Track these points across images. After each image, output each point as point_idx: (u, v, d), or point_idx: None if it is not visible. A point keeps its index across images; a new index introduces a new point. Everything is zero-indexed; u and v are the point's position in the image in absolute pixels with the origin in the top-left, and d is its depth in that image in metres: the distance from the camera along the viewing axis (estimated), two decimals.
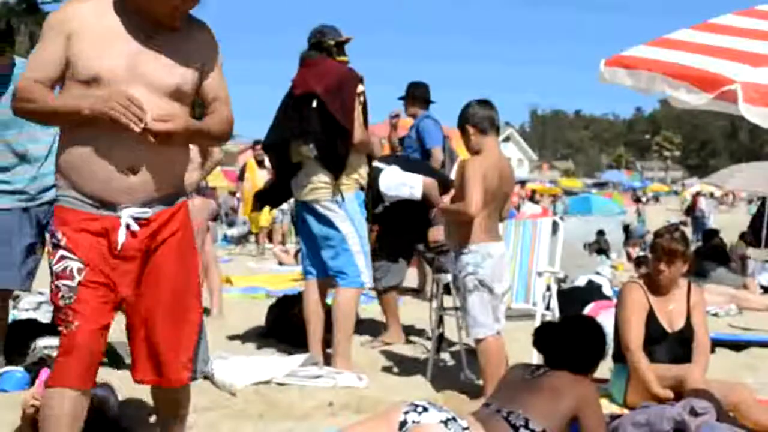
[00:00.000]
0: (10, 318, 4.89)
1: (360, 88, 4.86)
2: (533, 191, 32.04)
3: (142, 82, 2.74)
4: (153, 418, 3.79)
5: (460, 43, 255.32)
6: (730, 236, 13.18)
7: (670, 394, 3.89)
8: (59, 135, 2.88)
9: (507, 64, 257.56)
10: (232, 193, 20.86)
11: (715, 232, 12.52)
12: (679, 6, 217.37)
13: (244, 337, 6.09)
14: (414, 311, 7.09)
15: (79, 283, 2.74)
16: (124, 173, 2.75)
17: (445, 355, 5.66)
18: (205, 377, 4.62)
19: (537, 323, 4.81)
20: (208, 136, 3.00)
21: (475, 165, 4.36)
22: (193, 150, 6.36)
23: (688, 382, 3.86)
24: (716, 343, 5.58)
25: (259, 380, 4.57)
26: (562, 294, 6.42)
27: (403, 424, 2.99)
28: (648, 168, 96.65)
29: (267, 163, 12.42)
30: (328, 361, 4.96)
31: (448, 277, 4.99)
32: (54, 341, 4.01)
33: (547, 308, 5.50)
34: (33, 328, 4.84)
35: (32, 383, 4.04)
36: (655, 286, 4.16)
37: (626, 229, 17.65)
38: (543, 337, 3.51)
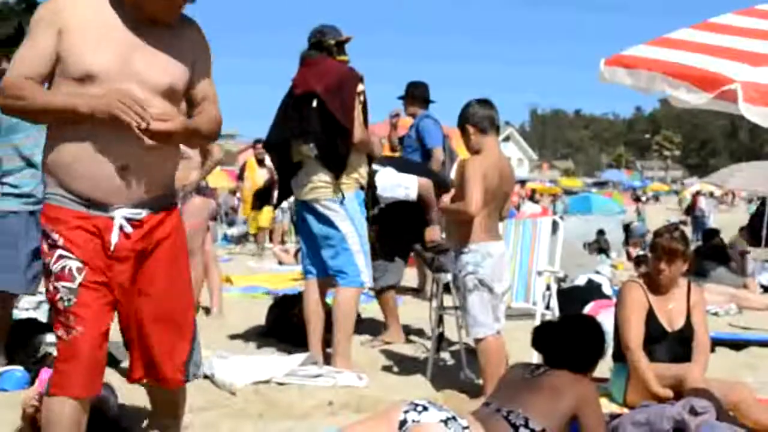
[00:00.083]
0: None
1: (360, 87, 4.86)
2: (533, 191, 32.03)
3: (136, 80, 2.70)
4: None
5: (460, 43, 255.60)
6: (729, 236, 13.18)
7: (669, 393, 3.88)
8: (47, 132, 2.82)
9: (507, 64, 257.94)
10: (233, 192, 20.87)
11: (715, 232, 12.51)
12: (679, 6, 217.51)
13: (244, 337, 6.09)
14: (414, 310, 7.09)
15: (80, 284, 2.70)
16: (117, 173, 2.70)
17: (445, 355, 5.66)
18: (205, 376, 4.63)
19: (537, 322, 4.81)
20: (200, 135, 2.97)
21: (475, 164, 4.36)
22: (193, 150, 6.36)
23: (688, 381, 3.86)
24: (716, 343, 5.58)
25: (258, 379, 4.57)
26: (561, 293, 6.42)
27: (403, 423, 2.99)
28: (648, 167, 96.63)
29: (267, 162, 12.45)
30: (328, 360, 4.96)
31: (448, 277, 4.99)
32: None
33: (547, 307, 5.51)
34: (33, 328, 4.84)
35: (32, 382, 4.05)
36: (655, 285, 4.16)
37: (627, 228, 17.62)
38: (542, 336, 3.52)
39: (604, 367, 4.00)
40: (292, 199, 5.34)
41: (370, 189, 5.09)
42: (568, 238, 7.19)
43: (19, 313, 5.65)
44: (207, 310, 6.86)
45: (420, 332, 6.40)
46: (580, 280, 8.03)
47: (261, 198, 12.96)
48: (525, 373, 3.35)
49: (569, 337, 3.42)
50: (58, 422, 2.69)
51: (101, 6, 2.71)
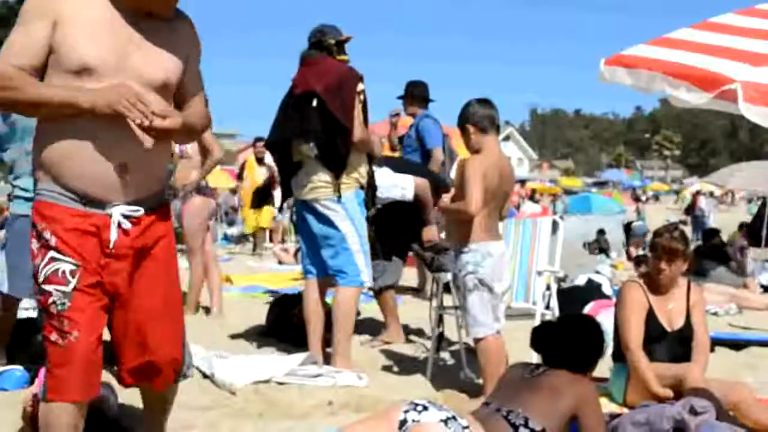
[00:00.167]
0: None
1: (360, 86, 4.86)
2: (533, 190, 32.02)
3: (133, 75, 2.65)
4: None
5: (460, 43, 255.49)
6: (729, 237, 13.19)
7: (669, 393, 3.88)
8: (37, 126, 2.74)
9: (507, 64, 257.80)
10: (233, 192, 20.86)
11: (715, 232, 12.52)
12: (679, 6, 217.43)
13: (244, 336, 6.09)
14: (414, 310, 7.09)
15: (74, 288, 2.63)
16: (116, 171, 2.65)
17: (444, 354, 5.66)
18: (205, 376, 4.63)
19: (537, 322, 4.81)
20: (195, 132, 2.94)
21: (475, 164, 4.36)
22: (193, 149, 6.37)
23: (688, 381, 3.86)
24: (716, 343, 5.58)
25: (258, 379, 4.57)
26: (561, 293, 6.42)
27: (403, 422, 2.99)
28: (648, 167, 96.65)
29: (267, 160, 12.45)
30: (327, 360, 4.96)
31: (448, 276, 4.99)
32: None
33: (547, 307, 5.51)
34: (33, 328, 4.84)
35: (32, 382, 4.05)
36: (655, 285, 4.16)
37: (628, 227, 17.59)
38: (541, 336, 3.52)
39: (604, 367, 4.00)
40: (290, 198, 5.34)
41: (370, 188, 5.08)
42: (568, 238, 7.18)
43: (19, 313, 5.65)
44: (207, 310, 6.86)
45: (420, 332, 6.41)
46: (580, 280, 8.03)
47: (260, 196, 12.94)
48: (525, 373, 3.35)
49: (568, 337, 3.42)
50: (56, 428, 2.66)
51: None
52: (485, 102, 4.56)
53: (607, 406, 3.94)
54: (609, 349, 4.09)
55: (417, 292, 8.50)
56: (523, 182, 28.51)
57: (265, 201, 13.10)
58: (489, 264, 4.34)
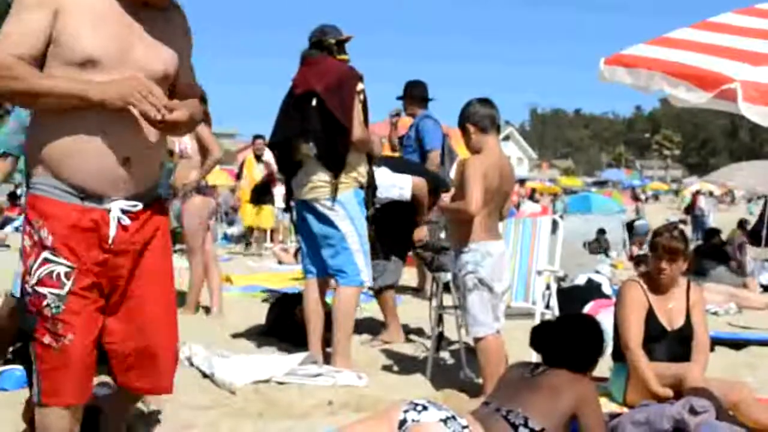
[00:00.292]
0: None
1: (360, 86, 4.86)
2: (533, 190, 32.01)
3: (136, 67, 2.61)
4: (152, 416, 3.79)
5: (460, 43, 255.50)
6: (728, 236, 13.19)
7: (669, 392, 3.88)
8: (32, 118, 2.68)
9: (507, 64, 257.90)
10: (233, 191, 20.85)
11: (716, 231, 12.52)
12: (679, 6, 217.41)
13: (244, 336, 6.09)
14: (413, 310, 7.09)
15: (69, 291, 2.58)
16: (119, 165, 2.61)
17: (444, 354, 5.66)
18: (205, 376, 4.63)
19: (536, 322, 4.81)
20: (195, 124, 2.90)
21: (475, 164, 4.36)
22: (193, 149, 6.38)
23: (688, 380, 3.86)
24: (716, 342, 5.58)
25: (258, 379, 4.57)
26: (561, 293, 6.42)
27: (402, 422, 2.99)
28: (648, 167, 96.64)
29: (264, 157, 12.44)
30: (327, 359, 4.96)
31: (448, 276, 4.99)
32: None
33: (547, 307, 5.51)
34: None
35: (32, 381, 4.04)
36: (655, 284, 4.16)
37: (630, 226, 17.58)
38: (540, 336, 3.52)
39: (604, 367, 4.00)
40: None
41: (370, 188, 5.09)
42: (568, 238, 7.18)
43: None
44: (207, 310, 6.86)
45: (420, 331, 6.41)
46: (580, 280, 8.03)
47: (259, 193, 12.91)
48: (524, 373, 3.35)
49: (568, 337, 3.42)
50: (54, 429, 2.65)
51: None
52: (486, 102, 4.56)
53: (607, 406, 3.94)
54: (609, 348, 4.09)
55: (417, 291, 8.50)
56: (522, 182, 28.51)
57: (264, 199, 13.08)
58: (489, 263, 4.34)
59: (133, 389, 2.90)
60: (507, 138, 71.33)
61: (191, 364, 4.79)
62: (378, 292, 6.06)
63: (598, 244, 15.03)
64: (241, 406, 4.22)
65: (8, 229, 16.18)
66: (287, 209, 5.43)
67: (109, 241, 2.65)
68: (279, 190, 13.35)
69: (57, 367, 2.60)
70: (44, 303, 2.58)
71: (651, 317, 4.09)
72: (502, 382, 3.46)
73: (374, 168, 5.25)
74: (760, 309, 8.45)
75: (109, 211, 2.64)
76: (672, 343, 4.09)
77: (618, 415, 3.75)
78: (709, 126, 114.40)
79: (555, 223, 5.59)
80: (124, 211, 2.67)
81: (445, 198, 4.75)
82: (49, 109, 2.57)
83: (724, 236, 12.27)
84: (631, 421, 3.56)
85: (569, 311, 5.08)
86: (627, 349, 4.05)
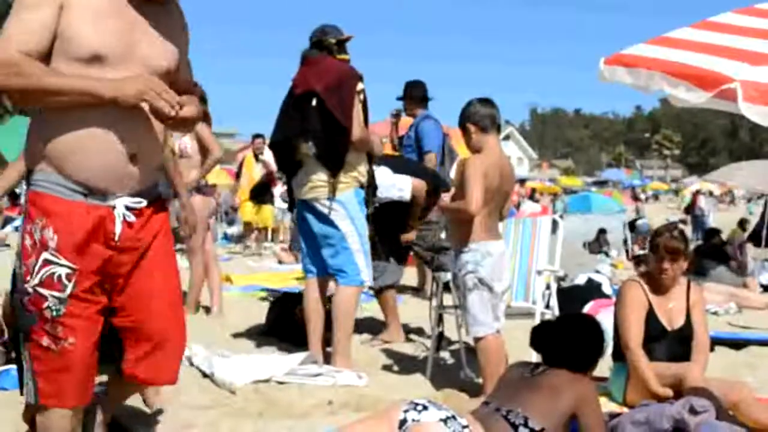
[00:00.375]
0: None
1: (360, 86, 4.86)
2: (533, 189, 32.04)
3: (141, 63, 2.60)
4: (152, 416, 3.79)
5: (460, 43, 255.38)
6: (727, 235, 13.19)
7: (669, 392, 3.88)
8: (39, 116, 2.62)
9: (507, 64, 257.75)
10: (234, 191, 20.81)
11: (716, 231, 12.52)
12: (679, 6, 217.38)
13: (244, 336, 6.09)
14: (414, 310, 7.09)
15: (71, 294, 2.55)
16: (126, 161, 2.58)
17: (444, 354, 5.66)
18: (205, 375, 4.63)
19: (536, 322, 4.81)
20: (198, 120, 2.89)
21: (476, 163, 4.36)
22: (193, 149, 6.38)
23: (688, 380, 3.86)
24: (716, 342, 5.58)
25: (258, 378, 4.57)
26: (561, 292, 6.42)
27: (402, 422, 2.99)
28: (648, 166, 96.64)
29: (262, 156, 12.43)
30: (327, 359, 4.96)
31: (448, 276, 4.99)
32: None
33: (547, 307, 5.51)
34: None
35: None
36: (655, 284, 4.16)
37: (632, 226, 17.58)
38: (540, 336, 3.52)
39: (604, 366, 4.00)
40: None
41: (370, 187, 5.09)
42: (568, 237, 7.18)
43: None
44: (207, 310, 6.86)
45: (420, 331, 6.41)
46: (580, 279, 8.03)
47: (258, 192, 12.89)
48: (524, 373, 3.35)
49: (568, 337, 3.42)
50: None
51: None
52: (486, 101, 4.56)
53: (607, 406, 3.94)
54: (609, 348, 4.09)
55: (417, 291, 8.50)
56: (522, 181, 28.55)
57: (263, 198, 13.07)
58: (489, 263, 4.34)
59: (139, 380, 2.87)
60: (507, 138, 71.36)
61: (191, 364, 4.79)
62: (379, 292, 6.07)
63: (598, 244, 15.03)
64: (241, 405, 4.22)
65: (8, 228, 16.18)
66: (290, 209, 5.43)
67: (116, 238, 2.63)
68: (279, 190, 13.36)
69: (57, 370, 2.58)
70: (45, 305, 2.55)
71: (651, 317, 4.10)
72: (502, 381, 3.46)
73: (375, 167, 5.25)
74: (760, 309, 8.45)
75: (113, 207, 2.62)
76: (672, 343, 4.09)
77: (618, 414, 3.75)
78: (709, 126, 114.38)
79: (555, 223, 5.59)
80: (128, 208, 2.64)
81: (446, 198, 4.75)
82: (57, 107, 2.53)
83: (724, 236, 12.27)
84: (630, 421, 3.56)
85: (569, 311, 5.08)
86: (627, 349, 4.05)
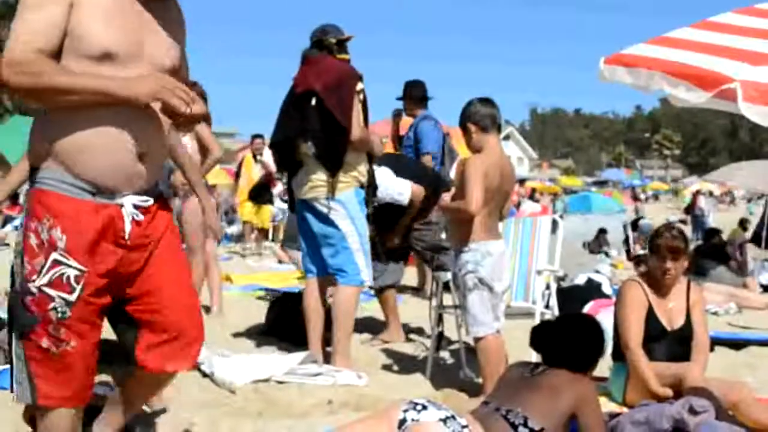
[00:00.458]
0: (1, 317, 4.88)
1: (359, 85, 4.86)
2: (533, 189, 32.04)
3: (149, 61, 2.59)
4: (152, 416, 3.79)
5: (460, 43, 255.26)
6: (728, 235, 13.19)
7: (669, 392, 3.89)
8: (46, 115, 2.58)
9: (507, 64, 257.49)
10: (234, 191, 20.80)
11: (716, 231, 12.53)
12: (679, 6, 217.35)
13: (244, 335, 6.09)
14: (414, 309, 7.09)
15: (78, 297, 2.52)
16: (136, 160, 2.57)
17: (444, 354, 5.66)
18: (205, 375, 4.63)
19: (536, 321, 4.82)
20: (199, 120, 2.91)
21: (476, 163, 4.36)
22: (192, 148, 6.37)
23: (688, 380, 3.87)
24: (715, 342, 5.58)
25: (258, 378, 4.57)
26: (561, 292, 6.43)
27: (402, 422, 2.99)
28: (648, 166, 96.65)
29: (261, 157, 12.42)
30: (327, 359, 4.96)
31: (448, 275, 4.99)
32: None
33: (547, 306, 5.51)
34: None
35: None
36: (656, 284, 4.16)
37: (635, 225, 17.59)
38: (540, 336, 3.52)
39: (604, 366, 4.00)
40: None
41: (370, 187, 5.09)
42: (568, 237, 7.19)
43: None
44: (207, 309, 6.84)
45: (420, 331, 6.41)
46: (580, 279, 8.03)
47: (257, 192, 12.88)
48: (524, 372, 3.35)
49: (568, 337, 3.42)
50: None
51: None
52: (487, 101, 4.56)
53: (607, 406, 3.94)
54: (608, 348, 4.09)
55: (417, 291, 8.50)
56: (522, 181, 28.54)
57: (263, 198, 13.07)
58: (489, 263, 4.34)
59: (149, 369, 2.80)
60: (507, 138, 71.37)
61: None
62: (379, 291, 6.07)
63: (598, 244, 15.04)
64: (240, 405, 4.22)
65: (8, 227, 16.18)
66: (291, 208, 5.43)
67: (126, 237, 2.61)
68: (277, 191, 13.35)
69: (56, 371, 2.55)
70: (50, 306, 2.51)
71: (651, 317, 4.10)
72: (502, 381, 3.46)
73: (376, 168, 5.25)
74: (760, 309, 8.45)
75: (121, 206, 2.60)
76: (672, 343, 4.09)
77: (617, 414, 3.75)
78: (708, 126, 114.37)
79: (555, 223, 5.59)
80: (135, 207, 2.63)
81: (446, 197, 4.75)
82: (67, 106, 2.49)
83: (724, 236, 12.28)
84: (630, 421, 3.56)
85: (569, 311, 5.09)
86: (627, 349, 4.05)
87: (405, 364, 5.35)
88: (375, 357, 5.51)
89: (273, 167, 12.09)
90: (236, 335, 6.08)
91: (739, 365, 5.52)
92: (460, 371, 5.10)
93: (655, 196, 52.45)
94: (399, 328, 6.10)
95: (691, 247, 7.54)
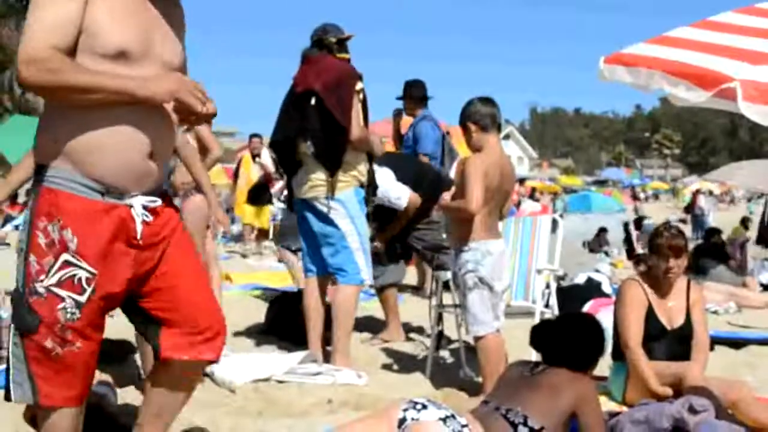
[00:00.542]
0: (1, 317, 4.87)
1: (359, 85, 4.86)
2: (533, 189, 32.01)
3: (159, 60, 2.57)
4: None
5: (460, 43, 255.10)
6: (729, 234, 13.20)
7: (669, 391, 3.89)
8: (53, 110, 2.53)
9: (507, 64, 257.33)
10: (232, 190, 20.78)
11: (716, 231, 12.54)
12: (679, 6, 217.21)
13: (244, 335, 6.09)
14: (413, 308, 7.09)
15: (89, 299, 2.50)
16: (147, 159, 2.55)
17: (444, 353, 5.66)
18: (205, 374, 4.63)
19: (536, 321, 4.82)
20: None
21: (476, 162, 4.36)
22: (192, 148, 6.37)
23: (687, 379, 3.87)
24: (715, 341, 5.58)
25: (258, 377, 4.57)
26: (561, 291, 6.43)
27: (402, 421, 2.99)
28: (648, 166, 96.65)
29: (259, 159, 12.41)
30: (327, 358, 4.96)
31: (448, 275, 4.99)
32: None
33: (546, 306, 5.51)
34: None
35: None
36: (656, 284, 4.17)
37: (638, 225, 17.59)
38: (540, 335, 3.52)
39: (604, 366, 4.00)
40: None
41: (370, 187, 5.09)
42: (568, 237, 7.19)
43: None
44: None
45: (419, 330, 6.41)
46: (580, 279, 8.03)
47: (256, 193, 12.86)
48: (524, 372, 3.35)
49: (568, 336, 3.42)
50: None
51: None
52: (487, 100, 4.56)
53: (607, 405, 3.94)
54: (608, 347, 4.09)
55: (417, 290, 8.50)
56: (522, 181, 28.49)
57: (262, 200, 13.06)
58: (489, 262, 4.35)
59: (202, 360, 2.77)
60: (507, 137, 71.37)
61: None
62: (380, 290, 6.07)
63: (598, 243, 15.04)
64: (240, 404, 4.22)
65: (8, 227, 16.17)
66: (290, 208, 5.43)
67: (138, 237, 2.59)
68: (276, 191, 13.34)
69: (58, 371, 2.54)
70: (60, 306, 2.48)
71: (651, 316, 4.10)
72: (502, 380, 3.46)
73: (377, 168, 5.25)
74: (759, 308, 8.45)
75: (131, 206, 2.57)
76: (671, 342, 4.09)
77: (617, 413, 3.76)
78: (708, 125, 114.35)
79: (555, 222, 5.59)
80: (144, 207, 2.60)
81: (446, 196, 4.75)
82: (80, 105, 2.46)
83: (724, 236, 12.28)
84: (630, 420, 3.56)
85: (569, 310, 5.09)
86: (627, 348, 4.06)
87: (405, 363, 5.35)
88: (375, 356, 5.51)
89: (271, 168, 12.10)
90: (236, 334, 6.08)
91: (739, 364, 5.52)
92: (460, 370, 5.11)
93: (655, 196, 52.47)
94: (399, 327, 6.10)
95: (691, 246, 7.54)
